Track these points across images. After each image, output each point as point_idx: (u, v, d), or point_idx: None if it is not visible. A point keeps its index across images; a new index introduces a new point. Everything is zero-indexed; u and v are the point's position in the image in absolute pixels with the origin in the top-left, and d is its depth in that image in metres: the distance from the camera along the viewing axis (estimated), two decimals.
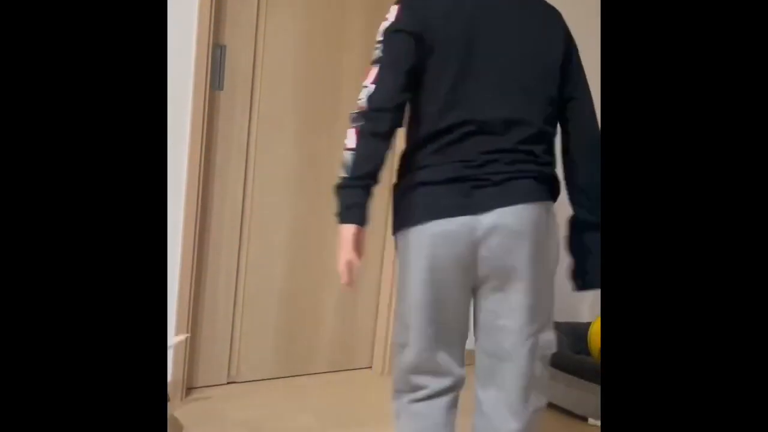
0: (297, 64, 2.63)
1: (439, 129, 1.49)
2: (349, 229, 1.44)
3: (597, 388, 2.63)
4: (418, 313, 1.53)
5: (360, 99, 1.47)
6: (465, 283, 1.55)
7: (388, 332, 2.94)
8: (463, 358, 1.64)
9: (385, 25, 1.49)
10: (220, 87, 2.47)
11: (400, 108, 1.49)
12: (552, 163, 1.59)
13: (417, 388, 1.59)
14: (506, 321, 1.54)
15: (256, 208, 2.62)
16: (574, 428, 2.63)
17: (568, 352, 2.85)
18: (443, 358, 1.58)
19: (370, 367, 3.02)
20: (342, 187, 1.45)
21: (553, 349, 1.64)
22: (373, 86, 1.46)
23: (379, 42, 1.49)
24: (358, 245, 1.46)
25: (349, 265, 1.44)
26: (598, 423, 2.65)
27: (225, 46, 2.46)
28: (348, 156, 1.45)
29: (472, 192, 1.48)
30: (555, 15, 1.62)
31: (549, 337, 1.62)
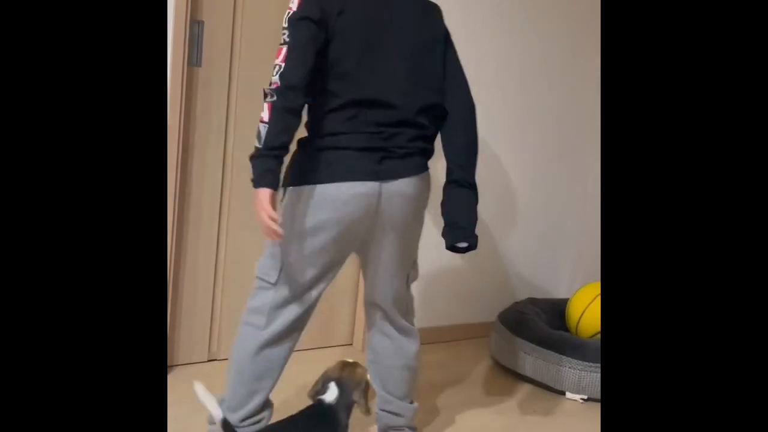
0: (275, 39, 2.60)
1: (344, 103, 1.73)
2: (265, 192, 1.65)
3: (574, 363, 2.67)
4: (311, 259, 1.79)
5: (273, 76, 1.66)
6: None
7: None
8: None
9: (289, 13, 1.68)
10: (198, 63, 2.44)
11: (308, 85, 1.67)
12: (435, 134, 1.88)
13: (275, 320, 1.83)
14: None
15: (235, 184, 2.61)
16: (552, 402, 2.68)
17: (546, 328, 2.89)
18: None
19: (351, 344, 3.04)
20: (257, 157, 1.66)
21: (415, 279, 2.05)
22: (284, 65, 1.66)
23: (285, 28, 1.68)
24: (274, 205, 1.67)
25: (273, 218, 1.65)
26: (576, 397, 2.69)
27: (203, 22, 2.43)
28: (262, 128, 1.66)
29: (382, 161, 1.76)
30: (436, 9, 1.89)
31: (414, 272, 2.03)
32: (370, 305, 2.03)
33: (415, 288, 3.15)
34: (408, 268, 1.97)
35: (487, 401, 2.64)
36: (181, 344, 2.59)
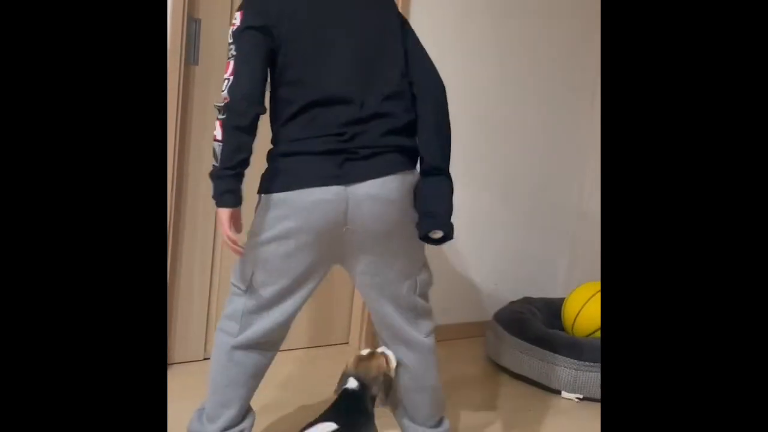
0: None
1: (299, 108, 1.67)
2: (225, 212, 1.67)
3: (570, 362, 2.67)
4: (280, 268, 1.74)
5: (222, 91, 1.63)
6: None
7: (365, 308, 2.96)
8: None
9: (232, 28, 1.66)
10: (195, 61, 2.44)
11: (259, 96, 1.65)
12: (413, 125, 1.77)
13: (248, 327, 1.79)
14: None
15: None
16: (547, 401, 2.68)
17: (542, 327, 2.89)
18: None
19: (347, 343, 3.04)
20: (215, 177, 1.67)
21: (430, 285, 1.94)
22: (232, 78, 1.63)
23: (231, 43, 1.65)
24: (236, 221, 1.71)
25: (231, 239, 1.68)
26: (571, 396, 2.70)
27: (200, 20, 2.43)
28: (217, 147, 1.64)
29: (344, 164, 1.68)
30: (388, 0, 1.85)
31: (424, 277, 1.91)
32: (378, 327, 1.93)
33: None
34: (408, 276, 1.85)
35: (482, 400, 2.64)
36: (176, 342, 2.59)
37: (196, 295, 2.61)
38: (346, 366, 1.78)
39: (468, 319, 3.36)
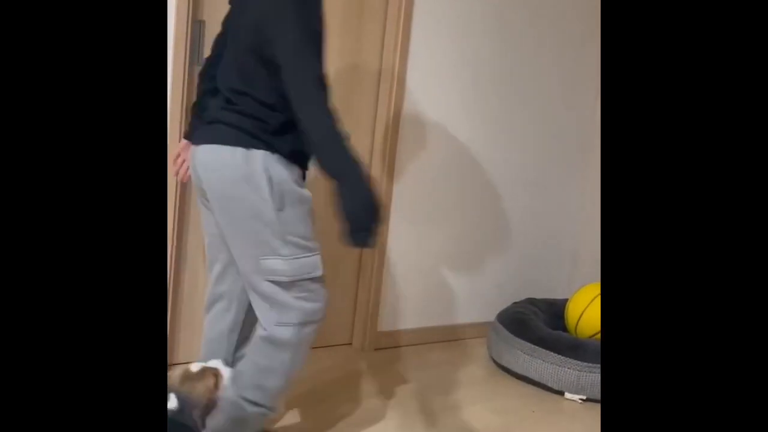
0: None
1: None
2: None
3: (573, 363, 2.68)
4: None
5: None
6: None
7: (369, 309, 2.96)
8: None
9: None
10: (200, 62, 2.44)
11: None
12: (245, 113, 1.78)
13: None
14: None
15: None
16: (550, 402, 2.68)
17: (545, 328, 2.90)
18: None
19: (350, 344, 3.04)
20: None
21: None
22: None
23: None
24: None
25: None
26: (575, 397, 2.70)
27: (204, 21, 2.43)
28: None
29: None
30: None
31: None
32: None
33: (414, 288, 3.16)
34: None
35: (485, 401, 2.64)
36: (181, 343, 2.59)
37: (200, 295, 2.61)
38: (170, 376, 1.55)
39: (471, 320, 3.36)
